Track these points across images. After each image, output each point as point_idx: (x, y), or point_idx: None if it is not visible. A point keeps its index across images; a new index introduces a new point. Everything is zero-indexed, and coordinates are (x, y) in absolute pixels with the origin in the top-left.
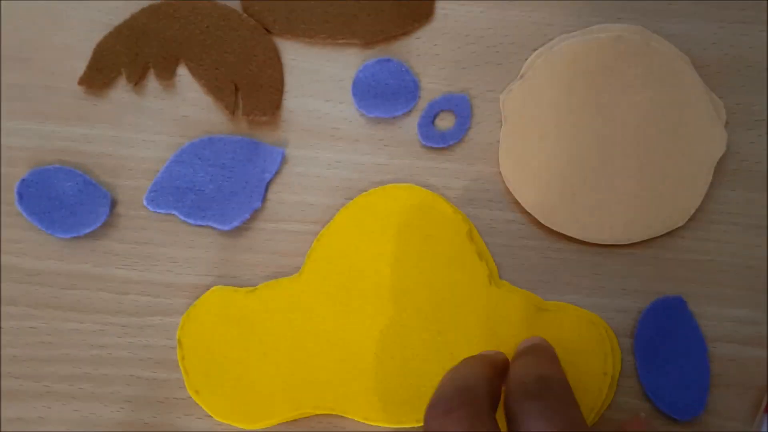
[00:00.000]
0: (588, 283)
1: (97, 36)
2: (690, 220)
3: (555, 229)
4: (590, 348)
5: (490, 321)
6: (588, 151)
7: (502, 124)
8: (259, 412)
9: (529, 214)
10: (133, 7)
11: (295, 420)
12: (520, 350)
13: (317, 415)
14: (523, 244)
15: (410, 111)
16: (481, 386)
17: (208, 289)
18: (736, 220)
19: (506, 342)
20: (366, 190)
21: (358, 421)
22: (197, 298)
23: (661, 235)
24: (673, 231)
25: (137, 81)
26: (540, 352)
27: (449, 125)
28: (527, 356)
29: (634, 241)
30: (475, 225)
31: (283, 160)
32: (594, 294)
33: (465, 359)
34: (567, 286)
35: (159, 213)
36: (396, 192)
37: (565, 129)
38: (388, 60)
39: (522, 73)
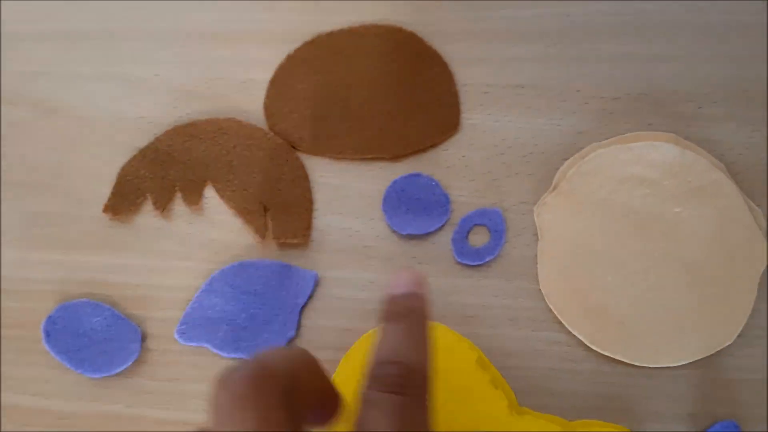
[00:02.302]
0: (638, 408)
1: (122, 159)
2: (738, 336)
3: (602, 352)
4: None
5: None
6: (631, 267)
7: (538, 239)
8: None
9: (574, 335)
10: (158, 129)
11: None
12: (391, 309)
13: None
14: (570, 368)
15: (443, 226)
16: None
17: None
18: None
19: None
20: None
21: None
22: None
23: (710, 355)
24: (721, 349)
25: (165, 206)
26: (414, 320)
27: (484, 240)
28: (398, 326)
29: (683, 363)
30: (516, 346)
31: (316, 283)
32: (646, 419)
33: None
34: (617, 412)
35: (191, 346)
36: None
37: (605, 243)
38: (418, 175)
39: (555, 184)
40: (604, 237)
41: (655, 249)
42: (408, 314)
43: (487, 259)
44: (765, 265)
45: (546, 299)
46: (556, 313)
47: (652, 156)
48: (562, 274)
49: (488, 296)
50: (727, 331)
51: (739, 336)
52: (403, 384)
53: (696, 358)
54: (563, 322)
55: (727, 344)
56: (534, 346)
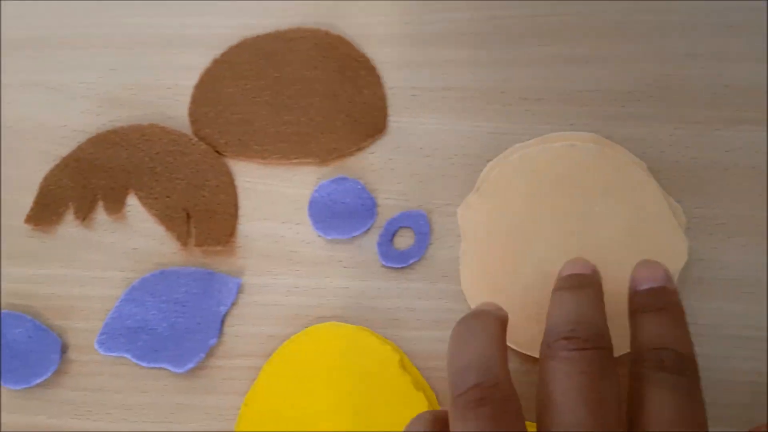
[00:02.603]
0: None
1: (45, 169)
2: None
3: (522, 351)
4: None
5: None
6: (552, 266)
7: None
8: None
9: None
10: (81, 137)
11: None
12: (645, 300)
13: None
14: None
15: (369, 230)
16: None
17: None
18: (710, 332)
19: None
20: (325, 317)
21: None
22: None
23: None
24: None
25: (86, 216)
26: (676, 311)
27: (409, 243)
28: (661, 315)
29: None
30: (439, 348)
31: (240, 289)
32: None
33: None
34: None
35: (112, 356)
36: (318, 333)
37: (526, 244)
38: (344, 179)
39: (477, 186)
40: (525, 237)
41: (575, 247)
42: (665, 306)
43: (411, 262)
44: (684, 260)
45: (468, 301)
46: None
47: (572, 155)
48: (484, 275)
49: (412, 299)
50: None
51: None
52: (683, 369)
53: (619, 354)
54: None
55: None
56: None
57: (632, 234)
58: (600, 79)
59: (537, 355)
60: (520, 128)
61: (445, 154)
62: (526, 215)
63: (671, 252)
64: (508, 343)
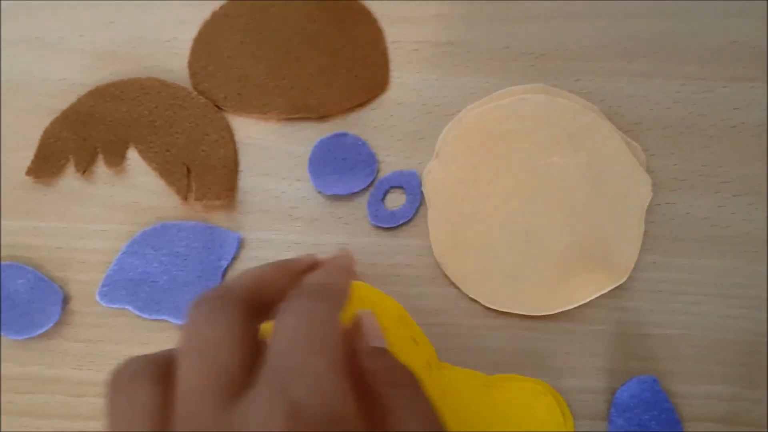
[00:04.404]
0: (557, 363)
1: (45, 122)
2: (657, 292)
3: (500, 308)
4: (542, 419)
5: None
6: (514, 223)
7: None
8: None
9: None
10: (81, 91)
11: None
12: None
13: None
14: (489, 324)
15: (369, 186)
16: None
17: None
18: (711, 291)
19: (454, 426)
20: None
21: None
22: None
23: (630, 311)
24: (640, 306)
25: (86, 168)
26: (339, 269)
27: (401, 202)
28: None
29: (582, 303)
30: (438, 305)
31: (240, 244)
32: (564, 374)
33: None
34: (536, 368)
35: (113, 308)
36: None
37: (488, 203)
38: (344, 134)
39: (436, 151)
40: (487, 197)
41: (537, 201)
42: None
43: (401, 222)
44: (649, 198)
45: (441, 267)
46: (451, 278)
47: (524, 109)
48: (451, 240)
49: (412, 256)
50: (620, 269)
51: (657, 291)
52: (320, 292)
53: (590, 298)
54: (458, 287)
55: (621, 282)
56: (456, 303)
57: (594, 179)
58: (605, 35)
59: (514, 310)
60: (522, 84)
61: (446, 111)
62: (485, 175)
63: (635, 192)
64: (475, 297)
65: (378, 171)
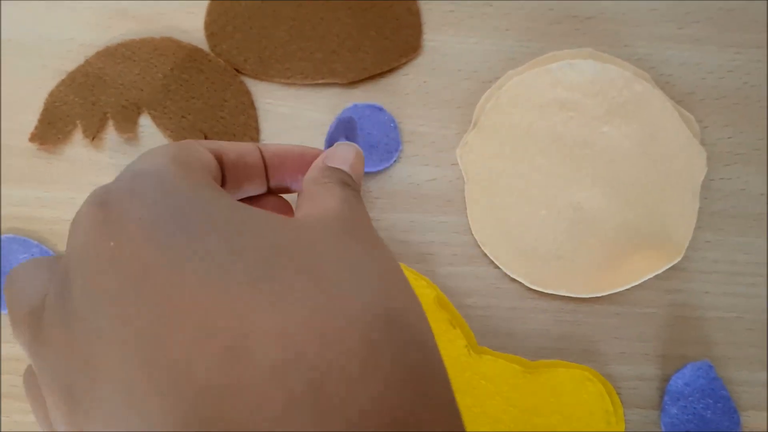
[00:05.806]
0: (605, 349)
1: (50, 85)
2: (711, 272)
3: (544, 290)
4: (589, 407)
5: (476, 391)
6: (560, 199)
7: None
8: None
9: None
10: (89, 51)
11: None
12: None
13: None
14: (531, 307)
15: (393, 163)
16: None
17: None
18: (764, 272)
19: (495, 413)
20: None
21: None
22: None
23: (682, 293)
24: (694, 287)
25: (95, 135)
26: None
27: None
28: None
29: (635, 284)
30: (475, 285)
31: None
32: (613, 361)
33: None
34: (582, 353)
35: None
36: None
37: (532, 179)
38: (381, 109)
39: (474, 121)
40: (530, 172)
41: (586, 175)
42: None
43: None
44: (704, 172)
45: (480, 246)
46: (492, 258)
47: (570, 76)
48: (491, 216)
49: (448, 233)
50: (674, 248)
51: (713, 272)
52: (351, 185)
53: (646, 278)
54: (499, 266)
55: (676, 261)
56: (494, 284)
57: (647, 152)
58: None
59: (561, 293)
60: (567, 47)
61: (485, 77)
62: (528, 148)
63: (690, 166)
64: (517, 277)
65: (400, 151)
